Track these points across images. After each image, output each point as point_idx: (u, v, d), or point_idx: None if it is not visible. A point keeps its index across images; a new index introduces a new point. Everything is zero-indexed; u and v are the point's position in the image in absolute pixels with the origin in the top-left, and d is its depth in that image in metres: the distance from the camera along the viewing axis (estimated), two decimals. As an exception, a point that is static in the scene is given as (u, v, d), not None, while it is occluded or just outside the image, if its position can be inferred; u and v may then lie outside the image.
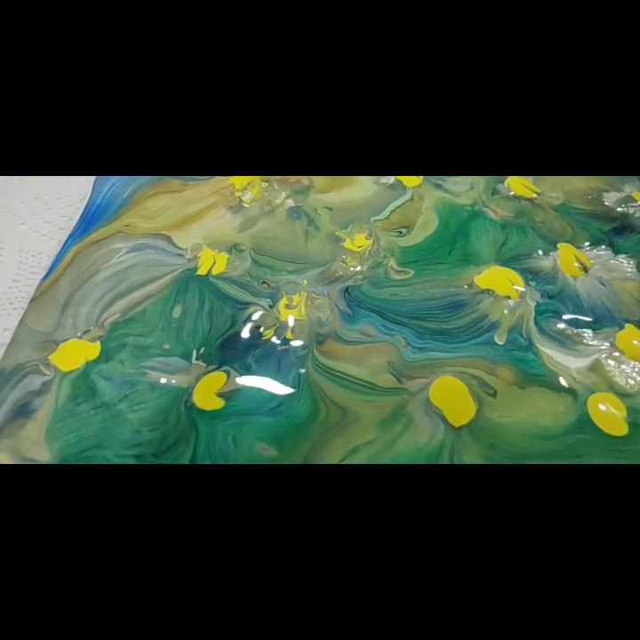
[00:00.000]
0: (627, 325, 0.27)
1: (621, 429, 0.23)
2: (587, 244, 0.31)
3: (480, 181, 0.35)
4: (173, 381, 0.23)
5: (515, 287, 0.28)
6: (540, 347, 0.26)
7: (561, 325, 0.27)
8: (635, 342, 0.26)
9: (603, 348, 0.26)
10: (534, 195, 0.34)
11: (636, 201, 0.34)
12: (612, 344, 0.26)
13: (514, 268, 0.29)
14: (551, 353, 0.25)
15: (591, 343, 0.26)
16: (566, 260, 0.30)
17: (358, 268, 0.29)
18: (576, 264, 0.30)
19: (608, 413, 0.23)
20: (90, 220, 0.30)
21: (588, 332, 0.27)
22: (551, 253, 0.30)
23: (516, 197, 0.34)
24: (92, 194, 0.33)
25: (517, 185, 0.35)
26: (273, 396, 0.24)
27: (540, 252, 0.30)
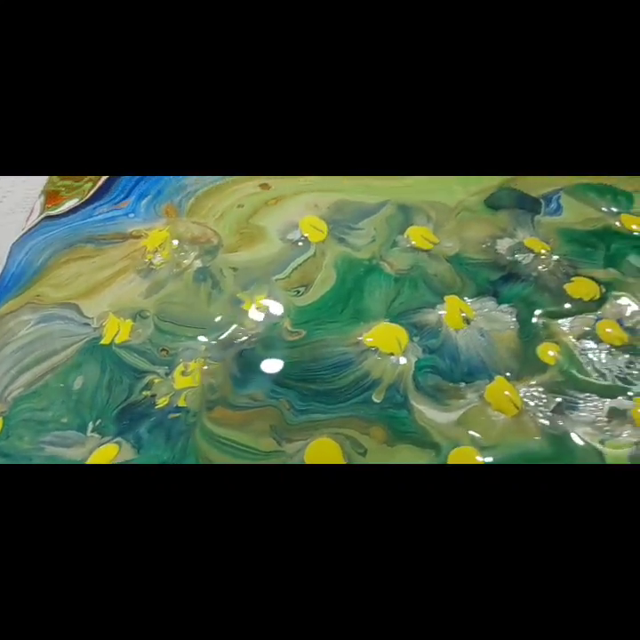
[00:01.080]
0: (497, 377, 0.30)
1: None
2: (472, 295, 0.34)
3: (382, 233, 0.37)
4: (68, 455, 0.26)
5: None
6: (414, 403, 0.28)
7: (436, 380, 0.29)
8: (506, 393, 0.29)
9: (471, 401, 0.29)
10: (431, 245, 0.37)
11: (527, 248, 0.37)
12: (481, 397, 0.29)
13: (401, 324, 0.32)
14: (423, 409, 0.28)
15: (462, 397, 0.29)
16: (451, 312, 0.33)
17: (255, 331, 0.31)
18: (462, 315, 0.33)
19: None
20: (2, 291, 0.32)
21: (461, 385, 0.30)
22: (438, 306, 0.33)
23: (413, 249, 0.37)
24: (6, 262, 0.35)
25: (416, 235, 0.37)
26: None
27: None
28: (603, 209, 0.41)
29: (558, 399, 0.29)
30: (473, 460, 0.27)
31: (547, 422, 0.29)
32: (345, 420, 0.27)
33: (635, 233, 0.39)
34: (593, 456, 0.27)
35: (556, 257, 0.36)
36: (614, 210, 0.41)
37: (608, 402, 0.30)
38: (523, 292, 0.35)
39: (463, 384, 0.30)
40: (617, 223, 0.40)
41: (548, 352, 0.31)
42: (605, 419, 0.29)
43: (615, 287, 0.36)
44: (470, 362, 0.31)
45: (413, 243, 0.37)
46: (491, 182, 0.42)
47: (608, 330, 0.33)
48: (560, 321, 0.33)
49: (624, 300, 0.35)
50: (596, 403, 0.30)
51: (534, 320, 0.33)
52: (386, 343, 0.31)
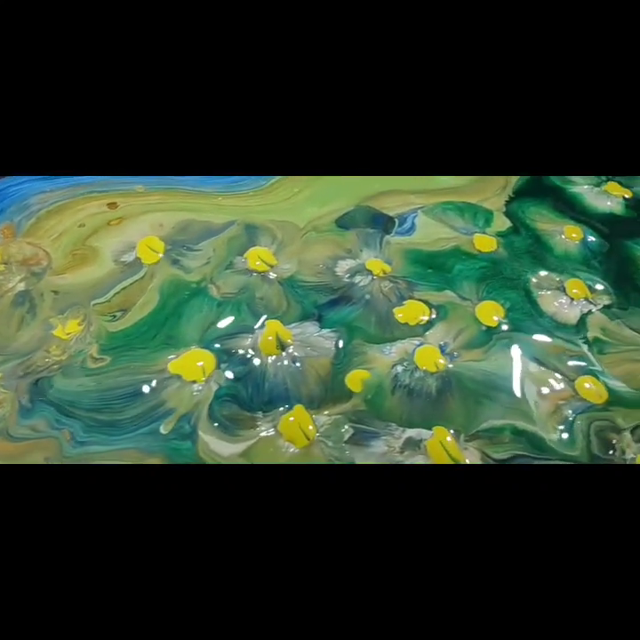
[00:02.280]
0: (296, 406, 0.30)
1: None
2: (296, 319, 0.34)
3: (220, 254, 0.37)
4: None
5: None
6: (201, 434, 0.28)
7: (233, 410, 0.29)
8: (291, 419, 0.29)
9: (266, 431, 0.29)
10: (267, 267, 0.37)
11: (367, 270, 0.37)
12: (275, 427, 0.29)
13: (212, 350, 0.32)
14: (209, 440, 0.28)
15: (255, 427, 0.29)
16: (267, 340, 0.33)
17: (59, 358, 0.31)
18: (274, 339, 0.33)
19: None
20: None
21: (258, 415, 0.29)
22: (257, 331, 0.33)
23: (247, 271, 0.36)
24: None
25: (254, 257, 0.37)
26: None
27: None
28: (459, 229, 0.41)
29: (354, 429, 0.29)
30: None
31: (336, 454, 0.29)
32: (123, 452, 0.27)
33: (483, 253, 0.40)
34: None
35: (394, 279, 0.36)
36: (470, 230, 0.41)
37: (407, 432, 0.30)
38: (349, 316, 0.35)
39: (260, 413, 0.30)
40: (470, 244, 0.40)
41: (356, 380, 0.31)
42: (399, 449, 0.29)
43: (447, 311, 0.36)
44: (274, 390, 0.31)
45: (248, 265, 0.37)
46: (348, 202, 0.42)
47: (427, 356, 0.33)
48: (380, 346, 0.33)
49: (451, 325, 0.35)
50: (393, 433, 0.30)
51: (353, 346, 0.33)
52: (189, 371, 0.31)
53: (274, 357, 0.32)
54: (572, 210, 0.44)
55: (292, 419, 0.29)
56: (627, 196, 0.46)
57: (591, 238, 0.42)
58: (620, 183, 0.47)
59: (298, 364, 0.32)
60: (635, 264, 0.41)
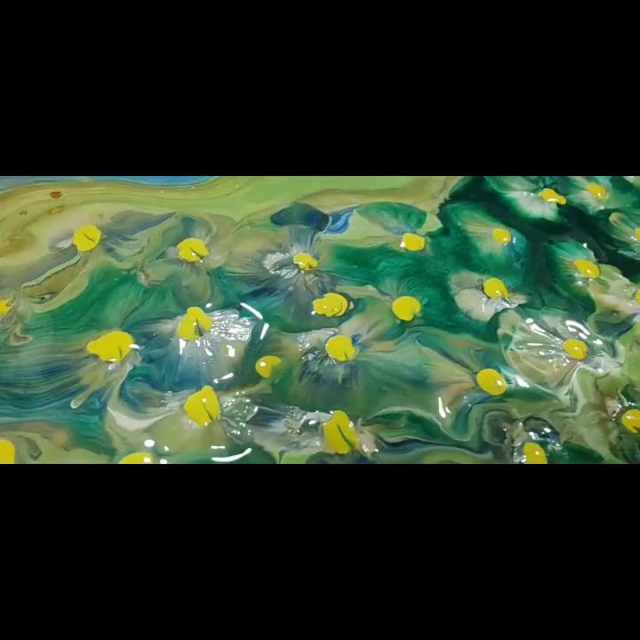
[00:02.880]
0: (204, 388, 0.31)
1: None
2: (218, 307, 0.35)
3: (154, 244, 0.39)
4: None
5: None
6: (110, 409, 0.30)
7: (143, 388, 0.31)
8: (204, 400, 0.31)
9: (171, 410, 0.30)
10: (198, 258, 0.38)
11: (294, 263, 0.39)
12: (181, 406, 0.30)
13: (132, 333, 0.33)
14: (117, 415, 0.29)
15: (162, 405, 0.30)
16: (187, 323, 0.34)
17: (-17, 336, 0.33)
18: (194, 324, 0.34)
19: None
20: None
21: (168, 394, 0.31)
22: (178, 317, 0.35)
23: (178, 261, 0.38)
24: None
25: (186, 248, 0.39)
26: None
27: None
28: (391, 228, 0.43)
29: (258, 410, 0.31)
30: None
31: (237, 432, 0.30)
32: (32, 423, 0.29)
33: (412, 251, 0.42)
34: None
35: (319, 273, 0.38)
36: (401, 229, 0.43)
37: (308, 415, 0.31)
38: (269, 306, 0.36)
39: (169, 393, 0.31)
40: (399, 243, 0.42)
41: (265, 365, 0.33)
42: (297, 431, 0.30)
43: (366, 304, 0.38)
44: (186, 372, 0.32)
45: (180, 255, 0.39)
46: (287, 199, 0.44)
47: (339, 346, 0.35)
48: (294, 335, 0.35)
49: (368, 317, 0.37)
50: (295, 415, 0.31)
51: (268, 333, 0.35)
52: (107, 351, 0.33)
53: (191, 342, 0.34)
54: (505, 214, 0.46)
55: (198, 399, 0.31)
56: (561, 203, 0.48)
57: (517, 241, 0.44)
58: (556, 191, 0.49)
59: (212, 349, 0.34)
60: (556, 267, 0.43)
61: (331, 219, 0.43)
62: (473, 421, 0.32)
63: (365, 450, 0.30)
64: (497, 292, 0.40)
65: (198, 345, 0.34)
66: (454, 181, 0.48)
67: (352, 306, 0.37)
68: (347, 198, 0.45)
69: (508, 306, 0.39)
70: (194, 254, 0.39)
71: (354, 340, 0.35)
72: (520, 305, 0.39)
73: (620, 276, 0.43)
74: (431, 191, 0.47)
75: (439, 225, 0.44)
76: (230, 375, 0.32)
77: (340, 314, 0.37)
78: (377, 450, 0.30)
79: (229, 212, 0.43)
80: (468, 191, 0.47)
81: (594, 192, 0.50)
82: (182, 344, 0.34)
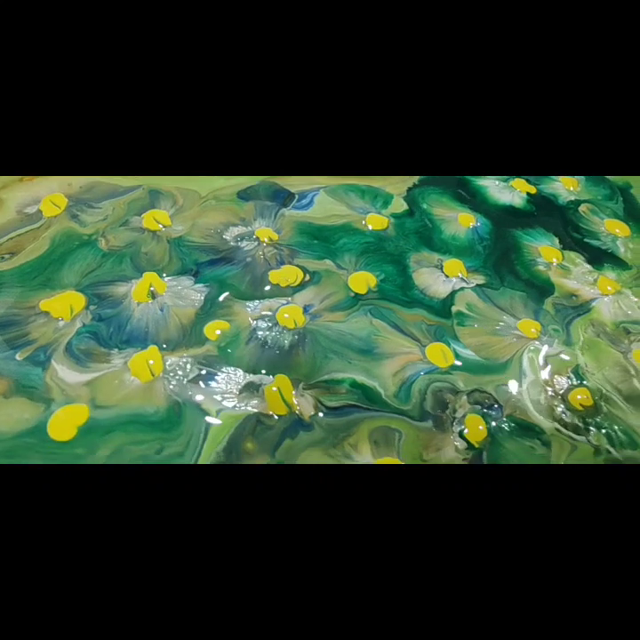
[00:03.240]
0: (150, 347, 0.32)
1: (66, 436, 0.27)
2: (174, 273, 0.36)
3: (119, 213, 0.39)
4: None
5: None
6: (54, 362, 0.30)
7: (90, 345, 0.31)
8: (151, 362, 0.31)
9: (114, 366, 0.30)
10: (159, 227, 0.39)
11: (255, 237, 0.39)
12: (126, 363, 0.31)
13: (85, 293, 0.34)
14: (59, 368, 0.30)
15: (107, 362, 0.31)
16: (141, 286, 0.35)
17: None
18: (151, 289, 0.35)
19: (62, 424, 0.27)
20: None
21: (113, 351, 0.31)
22: (133, 281, 0.35)
23: (140, 229, 0.39)
24: None
25: (150, 218, 0.39)
26: None
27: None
28: (356, 208, 0.44)
29: (201, 371, 0.31)
30: (83, 416, 0.28)
31: (177, 390, 0.30)
32: (-25, 371, 0.29)
33: (375, 230, 0.42)
34: (200, 424, 0.29)
35: (279, 246, 0.38)
36: (366, 210, 0.43)
37: (248, 376, 0.31)
38: (225, 274, 0.37)
39: (115, 350, 0.32)
40: (362, 222, 0.42)
41: (215, 329, 0.33)
42: (236, 392, 0.31)
43: (322, 277, 0.38)
44: (134, 332, 0.33)
45: (143, 224, 0.39)
46: (257, 177, 0.44)
47: (286, 315, 0.35)
48: (247, 302, 0.35)
49: (322, 289, 0.37)
50: (236, 377, 0.31)
51: (221, 299, 0.35)
52: (59, 309, 0.33)
53: (143, 304, 0.34)
54: (473, 200, 0.46)
55: (143, 357, 0.31)
56: (531, 193, 0.49)
57: (482, 225, 0.44)
58: (527, 180, 0.50)
59: (163, 311, 0.34)
60: (519, 251, 0.43)
61: (296, 196, 0.44)
62: (416, 391, 0.32)
63: (303, 412, 0.30)
64: (456, 271, 0.40)
65: (150, 307, 0.35)
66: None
67: (308, 278, 0.38)
68: (315, 179, 0.46)
69: (465, 285, 0.39)
70: (157, 224, 0.40)
71: (305, 309, 0.36)
72: (478, 285, 0.39)
73: (584, 263, 0.43)
74: (401, 176, 0.48)
75: (405, 207, 0.45)
76: (177, 336, 0.33)
77: (294, 284, 0.37)
78: (315, 412, 0.30)
79: (198, 187, 0.44)
80: (437, 178, 0.48)
81: (566, 184, 0.50)
82: (134, 306, 0.35)
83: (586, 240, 0.45)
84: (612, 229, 0.47)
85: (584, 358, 0.36)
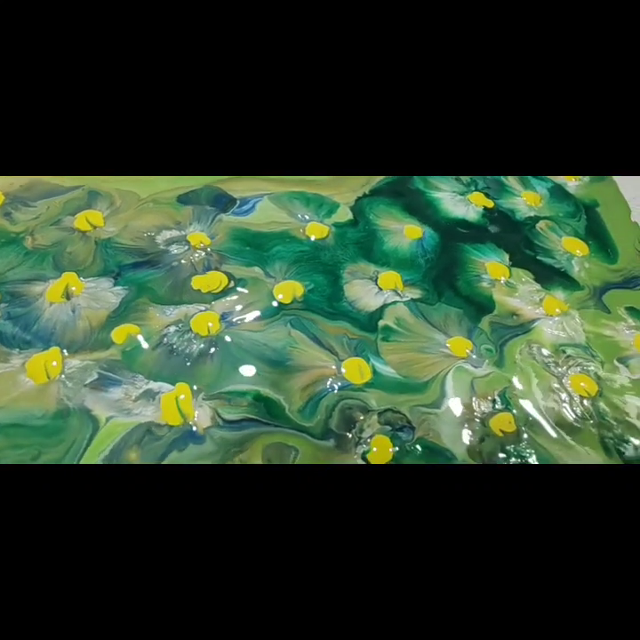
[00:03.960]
0: (52, 348, 0.31)
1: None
2: (94, 274, 0.35)
3: (54, 212, 0.39)
4: None
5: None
6: (-51, 360, 0.29)
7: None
8: (54, 363, 0.30)
9: (12, 366, 0.30)
10: (91, 228, 0.38)
11: (187, 241, 0.38)
12: (23, 365, 0.30)
13: (1, 291, 0.33)
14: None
15: (6, 361, 0.30)
16: (57, 286, 0.34)
17: None
18: (71, 289, 0.34)
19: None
20: None
21: (14, 351, 0.30)
22: (51, 280, 0.34)
23: (70, 229, 0.38)
24: None
25: (82, 218, 0.39)
26: None
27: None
28: (297, 216, 0.42)
29: (99, 375, 0.30)
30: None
31: (70, 394, 0.29)
32: None
33: (311, 238, 0.41)
34: (85, 431, 0.28)
35: (209, 252, 0.37)
36: (309, 218, 0.42)
37: (150, 384, 0.30)
38: (145, 277, 0.36)
39: (17, 350, 0.31)
40: (300, 230, 0.41)
41: (123, 332, 0.32)
42: (133, 398, 0.29)
43: (246, 284, 0.37)
44: (40, 332, 0.32)
45: (74, 224, 0.39)
46: (203, 180, 0.44)
47: (210, 324, 0.34)
48: (163, 307, 0.34)
49: (244, 298, 0.36)
50: (137, 383, 0.30)
51: (137, 303, 0.34)
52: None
53: (56, 305, 0.34)
54: (424, 212, 0.45)
55: (42, 359, 0.30)
56: (488, 207, 0.47)
57: (428, 238, 0.43)
58: (486, 194, 0.48)
59: (74, 313, 0.33)
60: (464, 266, 0.41)
61: (238, 202, 0.43)
62: (323, 408, 0.31)
63: (198, 423, 0.29)
64: (391, 284, 0.39)
65: (62, 308, 0.34)
66: (379, 178, 0.47)
67: (232, 284, 0.37)
68: (262, 185, 0.45)
69: (398, 299, 0.38)
70: (89, 224, 0.40)
71: (223, 317, 0.35)
72: (412, 299, 0.38)
73: (532, 281, 0.41)
74: (351, 185, 0.47)
75: (349, 216, 0.43)
76: (83, 339, 0.32)
77: (216, 291, 0.36)
78: (211, 425, 0.29)
79: (138, 189, 0.43)
80: (390, 189, 0.47)
81: (528, 199, 0.48)
82: (46, 306, 0.34)
83: (539, 257, 0.43)
84: (571, 248, 0.45)
85: (515, 381, 0.34)
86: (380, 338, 0.35)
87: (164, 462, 0.27)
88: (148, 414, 0.29)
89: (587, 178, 0.51)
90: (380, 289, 0.38)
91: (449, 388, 0.33)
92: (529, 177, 0.51)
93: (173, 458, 0.27)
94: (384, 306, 0.37)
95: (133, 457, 0.27)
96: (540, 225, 0.46)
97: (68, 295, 0.35)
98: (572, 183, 0.50)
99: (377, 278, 0.39)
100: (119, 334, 0.32)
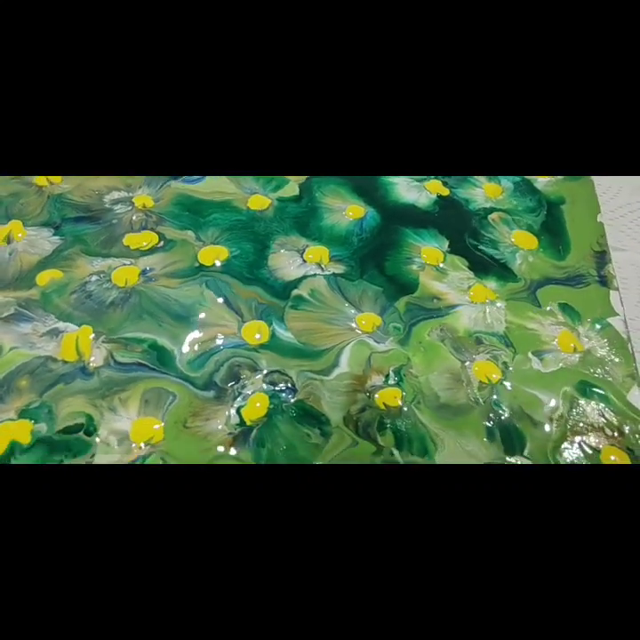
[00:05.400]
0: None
1: None
2: (38, 224, 0.37)
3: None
4: None
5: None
6: None
7: None
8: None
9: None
10: (48, 184, 0.41)
11: (132, 202, 0.40)
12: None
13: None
14: None
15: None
16: (0, 233, 0.37)
17: None
18: (17, 235, 0.36)
19: None
20: None
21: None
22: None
23: (29, 184, 0.41)
24: None
25: (42, 177, 0.41)
26: None
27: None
28: (244, 188, 0.43)
29: (15, 310, 0.32)
30: None
31: None
32: None
33: (252, 210, 0.41)
34: None
35: (150, 213, 0.39)
36: (254, 190, 0.43)
37: (58, 323, 0.32)
38: (83, 231, 0.38)
39: (-51, 283, 0.34)
40: (244, 202, 0.42)
41: (46, 276, 0.34)
42: (39, 334, 0.31)
43: (174, 245, 0.38)
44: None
45: (34, 181, 0.41)
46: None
47: (124, 274, 0.35)
48: (92, 258, 0.36)
49: (168, 257, 0.37)
50: (47, 322, 0.32)
51: (69, 253, 0.36)
52: None
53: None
54: (373, 194, 0.45)
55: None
56: (442, 194, 0.46)
57: (369, 219, 0.42)
58: (444, 183, 0.47)
59: (10, 256, 0.36)
60: (397, 249, 0.41)
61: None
62: (213, 362, 0.32)
63: (91, 362, 0.31)
64: (317, 258, 0.39)
65: (1, 250, 0.37)
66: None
67: (161, 244, 0.38)
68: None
69: (319, 272, 0.38)
70: (47, 181, 0.42)
71: (144, 272, 0.36)
72: (334, 273, 0.38)
73: (465, 268, 0.40)
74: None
75: (296, 192, 0.44)
76: (10, 278, 0.35)
77: (144, 248, 0.38)
78: (102, 365, 0.31)
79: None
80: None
81: (488, 191, 0.47)
82: (-6, 250, 0.37)
83: (480, 247, 0.42)
84: (521, 242, 0.44)
85: (414, 360, 0.34)
86: (290, 305, 0.36)
87: (46, 395, 0.29)
88: (48, 349, 0.31)
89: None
90: (305, 261, 0.39)
91: (344, 359, 0.33)
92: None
93: (58, 389, 0.30)
94: (303, 277, 0.38)
95: (23, 384, 0.29)
96: (493, 216, 0.45)
97: (8, 240, 0.38)
98: (542, 180, 0.49)
99: (304, 252, 0.40)
100: (43, 277, 0.35)
